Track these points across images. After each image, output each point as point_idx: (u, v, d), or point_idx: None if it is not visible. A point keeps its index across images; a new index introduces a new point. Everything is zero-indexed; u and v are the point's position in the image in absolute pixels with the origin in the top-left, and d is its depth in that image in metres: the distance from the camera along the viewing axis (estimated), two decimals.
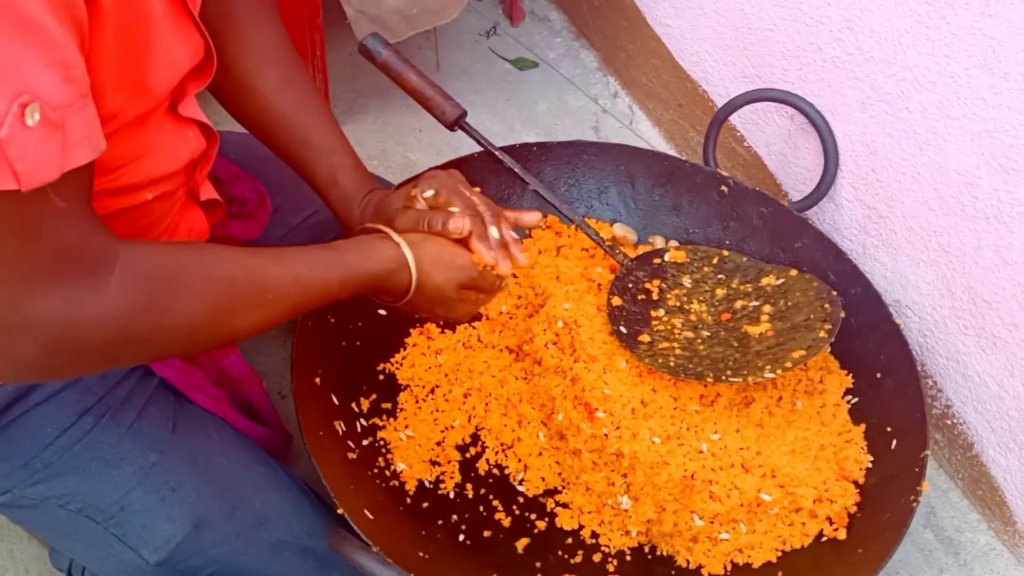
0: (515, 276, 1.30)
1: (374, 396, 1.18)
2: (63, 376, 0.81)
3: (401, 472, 1.12)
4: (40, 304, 0.63)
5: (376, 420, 1.16)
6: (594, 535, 1.11)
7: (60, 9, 0.58)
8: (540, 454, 1.17)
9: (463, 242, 0.95)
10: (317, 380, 1.10)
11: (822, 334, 1.10)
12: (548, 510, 1.13)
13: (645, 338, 1.15)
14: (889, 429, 1.12)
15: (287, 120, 0.99)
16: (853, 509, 1.08)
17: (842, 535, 1.06)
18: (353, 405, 1.15)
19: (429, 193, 0.98)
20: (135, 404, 0.93)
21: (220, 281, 0.75)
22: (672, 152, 1.69)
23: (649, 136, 1.71)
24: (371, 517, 1.00)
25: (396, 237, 0.91)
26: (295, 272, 0.82)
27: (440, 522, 1.10)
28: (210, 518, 0.92)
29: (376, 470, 1.11)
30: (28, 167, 0.57)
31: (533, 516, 1.13)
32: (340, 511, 0.96)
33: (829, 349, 1.22)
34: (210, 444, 0.97)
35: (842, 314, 1.12)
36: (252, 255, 0.80)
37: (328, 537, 0.85)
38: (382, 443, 1.14)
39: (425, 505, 1.11)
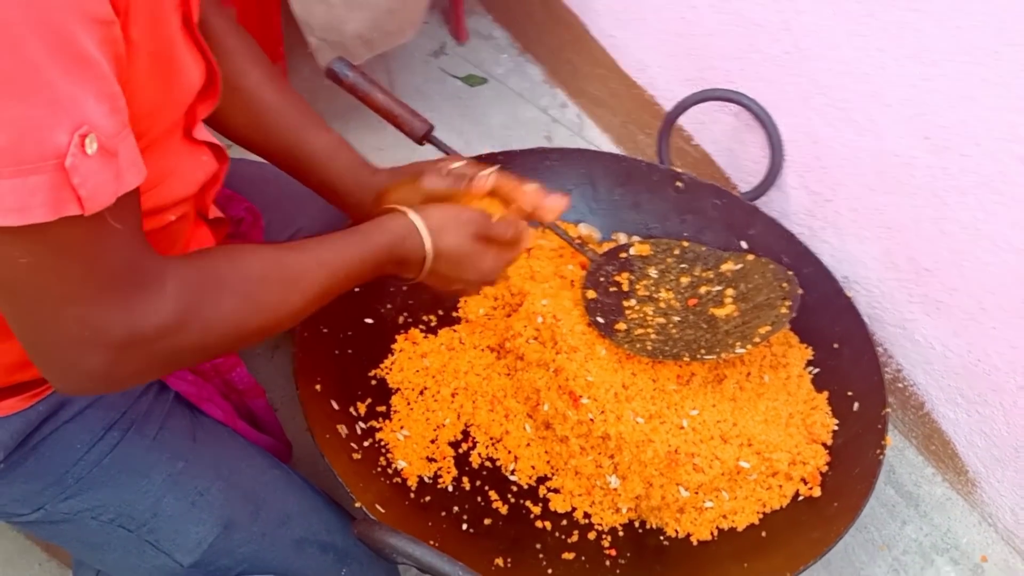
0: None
1: (369, 400, 1.22)
2: (129, 384, 0.85)
3: (402, 470, 1.18)
4: (106, 318, 0.68)
5: (373, 422, 1.21)
6: (586, 515, 1.17)
7: (106, 45, 0.63)
8: (528, 445, 1.23)
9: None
10: (318, 387, 1.15)
11: (783, 310, 1.19)
12: (541, 496, 1.19)
13: (622, 326, 1.22)
14: (850, 393, 1.22)
15: (276, 110, 1.02)
16: (824, 468, 1.17)
17: (816, 493, 1.15)
18: (351, 409, 1.19)
19: (458, 164, 1.02)
20: (157, 417, 0.97)
21: (256, 278, 0.80)
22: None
23: (599, 142, 1.80)
24: (382, 511, 1.06)
25: (403, 208, 0.94)
26: (320, 257, 0.86)
27: (443, 514, 1.15)
28: (237, 519, 0.97)
29: (379, 469, 1.16)
30: (90, 192, 0.61)
31: (528, 503, 1.19)
32: (357, 504, 1.01)
33: (790, 325, 1.32)
34: (229, 451, 1.01)
35: (800, 291, 1.21)
36: (278, 249, 0.85)
37: (355, 527, 0.90)
38: (381, 443, 1.19)
39: (427, 499, 1.16)
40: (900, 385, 1.37)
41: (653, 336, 1.22)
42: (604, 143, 1.81)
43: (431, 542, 1.10)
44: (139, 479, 0.93)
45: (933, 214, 1.18)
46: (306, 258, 0.85)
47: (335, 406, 1.17)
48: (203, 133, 0.90)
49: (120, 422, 0.94)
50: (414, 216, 0.93)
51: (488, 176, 0.99)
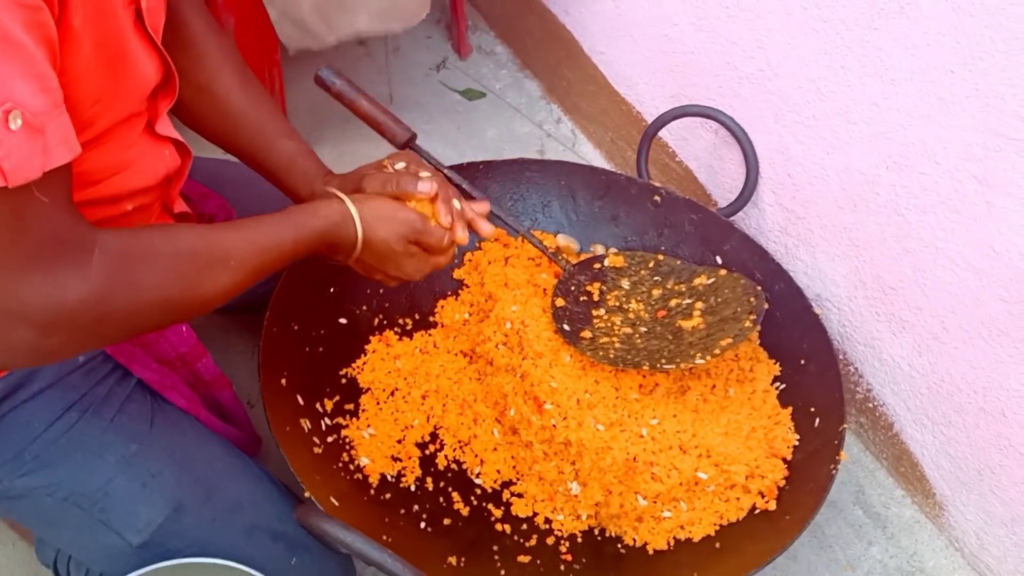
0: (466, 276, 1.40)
1: (337, 398, 1.25)
2: (57, 358, 0.88)
3: (364, 466, 1.20)
4: (32, 290, 0.70)
5: (340, 420, 1.23)
6: (547, 521, 1.19)
7: (34, 28, 0.66)
8: (495, 449, 1.24)
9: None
10: (283, 381, 1.17)
11: (747, 323, 1.20)
12: (504, 500, 1.21)
13: (587, 334, 1.24)
14: (812, 409, 1.22)
15: (243, 115, 1.06)
16: (782, 483, 1.17)
17: (772, 506, 1.15)
18: (318, 405, 1.22)
19: (400, 165, 1.06)
20: (115, 401, 1.00)
21: (185, 253, 0.82)
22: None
23: (591, 157, 1.83)
24: (336, 504, 1.08)
25: (342, 195, 0.97)
26: (251, 237, 0.88)
27: (402, 511, 1.17)
28: (188, 503, 0.99)
29: (341, 464, 1.18)
30: (13, 166, 0.65)
31: (490, 506, 1.20)
32: (307, 495, 1.04)
33: (759, 340, 1.33)
34: (186, 438, 1.04)
35: (766, 306, 1.22)
36: (212, 228, 0.87)
37: (296, 511, 0.93)
38: (346, 440, 1.21)
39: (388, 496, 1.18)
40: (870, 405, 1.37)
41: (617, 345, 1.23)
42: (596, 158, 1.83)
43: (384, 537, 1.12)
44: (93, 459, 0.96)
45: (897, 232, 1.19)
46: (238, 237, 0.88)
47: (300, 401, 1.19)
48: (166, 129, 0.93)
49: (79, 404, 0.97)
50: (351, 205, 0.96)
51: (430, 185, 1.02)
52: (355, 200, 0.97)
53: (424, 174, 1.04)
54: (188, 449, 1.03)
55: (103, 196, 0.88)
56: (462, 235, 1.06)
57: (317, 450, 1.16)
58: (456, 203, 1.06)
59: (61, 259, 0.72)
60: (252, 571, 0.97)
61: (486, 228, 1.11)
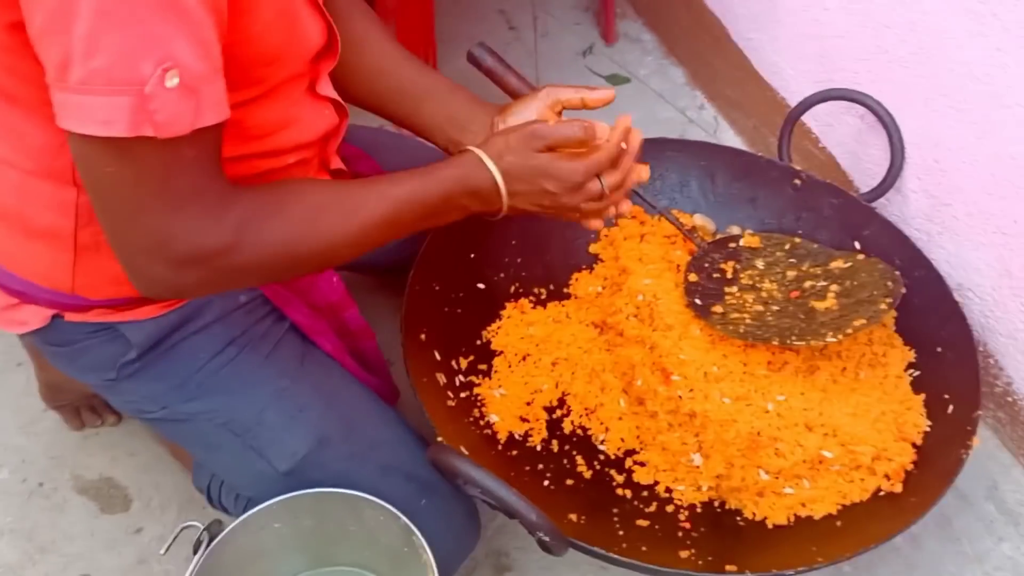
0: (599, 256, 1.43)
1: (472, 357, 1.31)
2: (193, 295, 0.97)
3: (494, 423, 1.25)
4: (171, 232, 0.80)
5: (473, 378, 1.29)
6: (668, 490, 1.21)
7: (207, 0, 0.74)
8: (620, 418, 1.27)
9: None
10: (423, 336, 1.24)
11: (883, 306, 1.19)
12: (626, 467, 1.24)
13: (718, 309, 1.26)
14: (946, 396, 1.20)
15: (398, 54, 1.13)
16: (910, 467, 1.16)
17: (898, 489, 1.14)
18: (453, 363, 1.28)
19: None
20: (271, 339, 1.09)
21: (316, 205, 0.89)
22: None
23: (733, 144, 1.83)
24: (466, 453, 1.14)
25: (470, 147, 1.00)
26: (382, 190, 0.93)
27: (527, 468, 1.22)
28: (331, 437, 1.07)
29: (471, 419, 1.24)
30: (165, 119, 0.73)
31: (612, 471, 1.23)
32: (440, 439, 1.10)
33: (894, 327, 1.31)
34: (332, 379, 1.12)
35: (903, 290, 1.21)
36: (345, 184, 0.94)
37: (429, 449, 0.99)
38: (478, 397, 1.27)
39: (514, 453, 1.23)
40: (1010, 399, 1.33)
41: (748, 320, 1.24)
42: (737, 145, 1.83)
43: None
44: (249, 390, 1.05)
45: None
46: (368, 191, 0.93)
47: (437, 356, 1.26)
48: (327, 89, 1.01)
49: (239, 339, 1.06)
50: (476, 149, 0.98)
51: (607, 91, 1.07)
52: (478, 144, 1.00)
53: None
54: (333, 389, 1.11)
55: (269, 149, 0.97)
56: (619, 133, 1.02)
57: (451, 403, 1.23)
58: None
59: (201, 209, 0.81)
60: (386, 505, 1.04)
61: (645, 172, 1.08)
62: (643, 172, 1.07)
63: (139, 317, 1.01)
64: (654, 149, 1.48)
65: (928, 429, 1.19)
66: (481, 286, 1.38)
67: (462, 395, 1.26)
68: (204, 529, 1.01)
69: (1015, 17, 1.10)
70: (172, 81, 0.72)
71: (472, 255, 1.38)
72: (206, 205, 0.81)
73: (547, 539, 0.95)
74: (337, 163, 1.12)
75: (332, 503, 1.05)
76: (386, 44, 1.13)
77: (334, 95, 1.03)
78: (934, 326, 1.27)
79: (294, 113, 0.98)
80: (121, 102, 0.71)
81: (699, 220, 1.47)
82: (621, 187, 1.04)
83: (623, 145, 1.03)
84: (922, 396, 1.23)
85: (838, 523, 1.14)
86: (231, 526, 1.01)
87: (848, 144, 1.51)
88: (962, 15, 1.18)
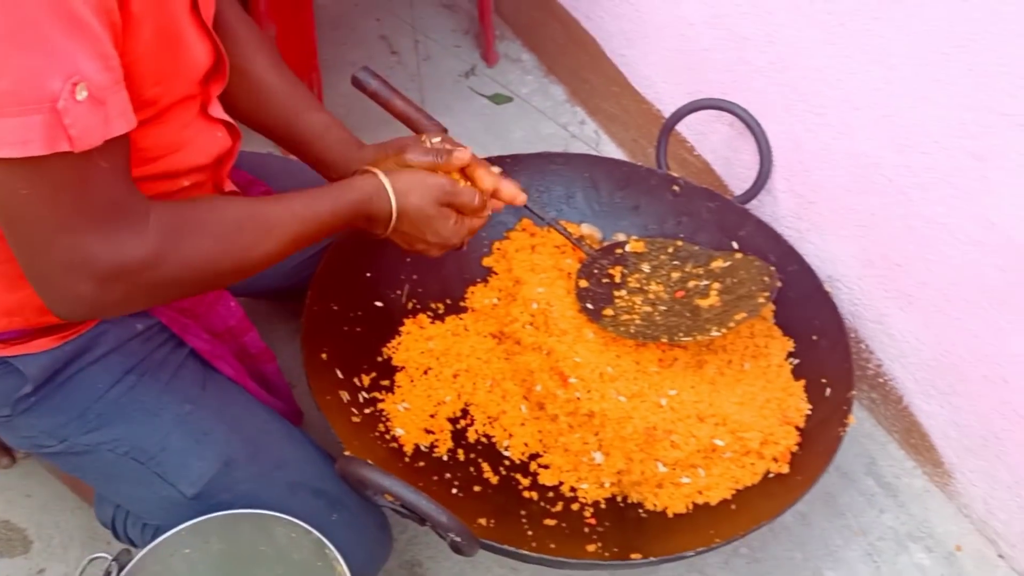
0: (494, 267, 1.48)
1: (374, 374, 1.32)
2: (115, 312, 0.97)
3: (399, 436, 1.27)
4: (93, 248, 0.80)
5: (376, 394, 1.30)
6: (572, 489, 1.25)
7: (101, 12, 0.76)
8: (523, 424, 1.31)
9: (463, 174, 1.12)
10: (324, 356, 1.25)
11: (761, 300, 1.27)
12: (531, 471, 1.27)
13: (609, 312, 1.31)
14: (824, 380, 1.28)
15: (277, 92, 1.15)
16: (795, 448, 1.23)
17: (785, 470, 1.21)
18: (355, 380, 1.29)
19: (436, 139, 1.15)
20: (170, 366, 1.09)
21: (233, 222, 0.91)
22: None
23: (614, 156, 1.90)
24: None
25: (375, 171, 1.05)
26: (294, 209, 0.97)
27: (435, 477, 1.24)
28: (237, 459, 1.07)
29: (377, 434, 1.26)
30: (79, 133, 0.74)
31: (518, 476, 1.27)
32: (347, 453, 1.11)
33: (773, 319, 1.39)
34: (235, 402, 1.13)
35: (779, 284, 1.29)
36: (257, 201, 0.96)
37: (337, 461, 1.00)
38: (382, 412, 1.29)
39: (421, 464, 1.25)
40: (881, 380, 1.43)
41: (638, 321, 1.30)
42: (619, 157, 1.90)
43: None
44: (151, 417, 1.05)
45: (901, 211, 1.25)
46: (280, 208, 0.96)
47: (339, 375, 1.27)
48: (218, 111, 1.03)
49: (137, 367, 1.06)
50: (383, 178, 1.04)
51: (464, 151, 1.10)
52: (387, 173, 1.05)
53: (461, 147, 1.12)
54: (236, 412, 1.12)
55: (162, 172, 0.97)
56: (508, 190, 1.14)
57: (355, 419, 1.24)
58: (495, 168, 1.14)
59: (121, 222, 0.82)
60: (297, 521, 1.05)
61: (521, 196, 1.18)
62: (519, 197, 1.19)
63: (33, 350, 1.00)
64: (539, 163, 1.53)
65: (809, 412, 1.27)
66: (379, 304, 1.40)
67: (366, 411, 1.27)
68: (112, 560, 1.00)
69: (859, 26, 1.20)
70: (82, 94, 0.73)
71: (368, 274, 1.40)
72: (126, 218, 0.82)
73: (458, 540, 0.98)
74: (230, 186, 1.13)
75: (241, 524, 1.05)
76: (272, 73, 1.15)
77: (226, 117, 1.05)
78: (809, 316, 1.35)
79: (187, 135, 0.99)
80: (34, 121, 0.72)
81: (586, 229, 1.52)
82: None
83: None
84: (802, 382, 1.30)
85: (733, 506, 1.20)
86: (140, 554, 1.00)
87: (720, 150, 1.60)
88: (814, 26, 1.27)
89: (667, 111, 1.71)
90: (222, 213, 0.92)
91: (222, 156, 1.06)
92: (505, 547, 1.06)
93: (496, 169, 1.18)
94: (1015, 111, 1.04)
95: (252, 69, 1.13)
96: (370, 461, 1.14)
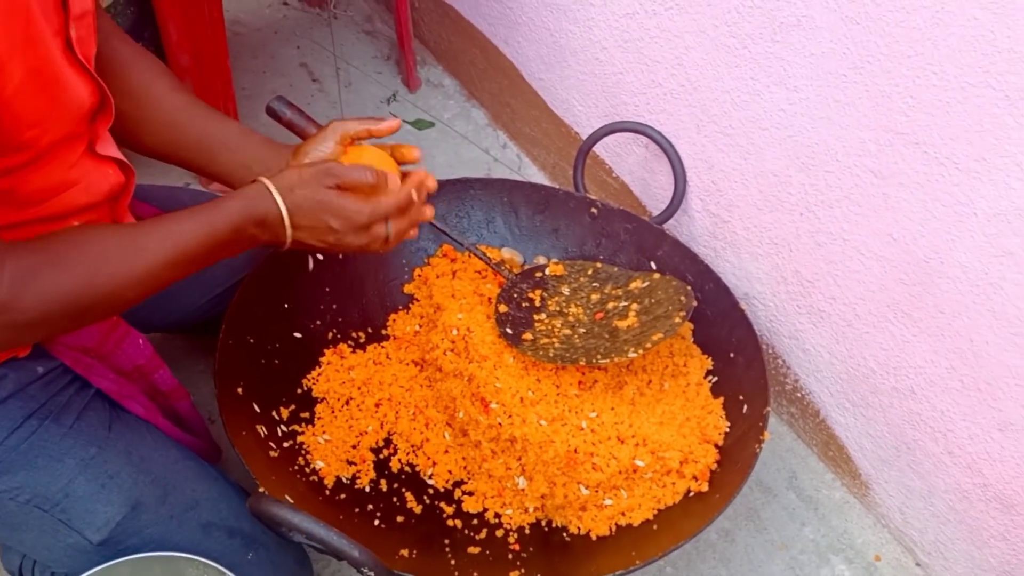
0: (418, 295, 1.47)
1: (293, 407, 1.31)
2: None
3: (320, 469, 1.26)
4: None
5: (296, 427, 1.29)
6: (496, 515, 1.25)
7: None
8: (447, 451, 1.31)
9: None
10: (239, 390, 1.23)
11: (677, 320, 1.28)
12: (456, 498, 1.27)
13: (528, 336, 1.32)
14: (741, 397, 1.30)
15: (186, 108, 1.11)
16: (714, 466, 1.25)
17: (705, 488, 1.22)
18: (274, 413, 1.28)
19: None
20: (74, 409, 1.06)
21: (96, 252, 0.87)
22: None
23: (536, 179, 1.92)
24: (291, 501, 1.14)
25: (258, 177, 0.99)
26: (166, 230, 0.92)
27: (357, 510, 1.23)
28: (145, 501, 1.05)
29: (296, 467, 1.24)
30: None
31: (442, 504, 1.26)
32: (261, 489, 1.09)
33: (692, 338, 1.41)
34: (143, 442, 1.10)
35: (695, 303, 1.30)
36: (124, 226, 0.91)
37: (248, 499, 0.98)
38: (301, 446, 1.27)
39: (342, 496, 1.24)
40: (799, 395, 1.45)
41: (557, 344, 1.31)
42: (541, 180, 1.92)
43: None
44: (53, 463, 1.01)
45: (809, 228, 1.28)
46: (151, 231, 0.92)
47: (256, 408, 1.25)
48: (107, 149, 1.00)
49: (38, 412, 1.02)
50: (266, 180, 0.98)
51: (394, 120, 1.09)
52: (271, 176, 1.00)
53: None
54: (145, 452, 1.09)
55: (51, 214, 0.95)
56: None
57: (273, 454, 1.22)
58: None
59: None
60: (210, 562, 1.02)
61: (428, 211, 1.12)
62: (427, 211, 1.12)
63: None
64: (458, 188, 1.53)
65: (728, 429, 1.28)
66: (298, 335, 1.39)
67: (285, 445, 1.26)
68: None
69: (762, 49, 1.22)
70: None
71: (286, 305, 1.38)
72: None
73: (373, 574, 0.96)
74: (130, 220, 1.11)
75: (152, 568, 1.03)
76: (174, 96, 1.12)
77: (117, 155, 1.02)
78: (726, 334, 1.37)
79: (74, 175, 0.96)
80: None
81: (507, 253, 1.53)
82: (405, 233, 1.08)
83: (414, 196, 1.07)
84: (720, 399, 1.32)
85: (655, 527, 1.21)
86: None
87: (637, 172, 1.61)
88: (720, 49, 1.30)
89: (585, 134, 1.73)
90: (84, 243, 0.87)
91: (115, 193, 1.03)
92: None
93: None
94: (909, 129, 1.07)
95: (155, 92, 1.11)
96: (287, 496, 1.14)
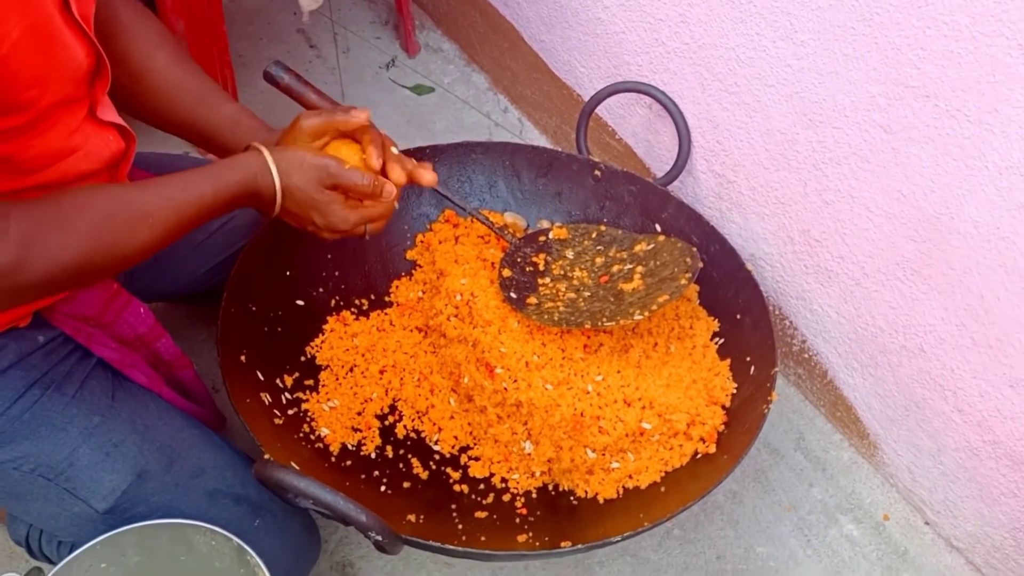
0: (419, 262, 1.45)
1: (297, 374, 1.30)
2: None
3: (325, 436, 1.25)
4: None
5: (300, 394, 1.28)
6: (503, 480, 1.24)
7: None
8: (452, 417, 1.30)
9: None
10: (243, 358, 1.22)
11: (683, 281, 1.27)
12: (462, 463, 1.27)
13: (533, 300, 1.30)
14: (748, 359, 1.29)
15: (182, 87, 1.10)
16: (721, 428, 1.24)
17: (712, 449, 1.22)
18: (278, 381, 1.27)
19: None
20: (77, 378, 1.05)
21: (101, 214, 0.87)
22: None
23: (538, 142, 1.90)
24: (297, 468, 1.13)
25: (261, 147, 1.01)
26: (169, 193, 0.93)
27: (363, 476, 1.22)
28: (151, 469, 1.04)
29: (301, 435, 1.23)
30: None
31: (448, 469, 1.26)
32: (267, 456, 1.09)
33: (698, 300, 1.40)
34: (147, 410, 1.09)
35: (700, 265, 1.29)
36: (129, 188, 0.92)
37: (254, 466, 0.98)
38: (306, 413, 1.27)
39: (348, 463, 1.24)
40: (806, 355, 1.44)
41: (562, 308, 1.29)
42: (543, 143, 1.90)
43: None
44: (57, 432, 1.01)
45: (817, 186, 1.26)
46: (153, 195, 0.92)
47: (260, 376, 1.24)
48: (107, 114, 0.98)
49: (41, 381, 1.02)
50: (267, 154, 1.00)
51: (362, 111, 1.06)
52: (273, 150, 1.01)
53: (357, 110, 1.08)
54: (149, 420, 1.08)
55: (52, 180, 0.93)
56: (398, 174, 1.07)
57: (278, 421, 1.21)
58: (394, 149, 1.10)
59: None
60: (216, 529, 1.02)
61: (428, 176, 1.13)
62: (429, 176, 1.14)
63: None
64: (460, 153, 1.51)
65: (735, 391, 1.27)
66: (300, 303, 1.38)
67: (289, 412, 1.25)
68: None
69: (766, 3, 1.20)
70: None
71: (288, 272, 1.37)
72: None
73: (379, 538, 0.96)
74: None
75: (158, 535, 1.02)
76: (172, 70, 1.10)
77: (117, 120, 1.01)
78: (732, 295, 1.36)
79: (75, 141, 0.95)
80: None
81: (509, 218, 1.51)
82: (379, 229, 1.12)
83: (396, 205, 1.11)
84: (728, 361, 1.31)
85: (662, 489, 1.20)
86: (52, 572, 0.96)
87: (641, 133, 1.59)
88: (724, 4, 1.27)
89: (588, 96, 1.71)
90: (90, 206, 0.87)
91: (115, 160, 1.02)
92: (430, 543, 1.05)
93: (396, 151, 1.14)
94: (919, 82, 1.05)
95: (153, 66, 1.09)
96: (293, 463, 1.13)
